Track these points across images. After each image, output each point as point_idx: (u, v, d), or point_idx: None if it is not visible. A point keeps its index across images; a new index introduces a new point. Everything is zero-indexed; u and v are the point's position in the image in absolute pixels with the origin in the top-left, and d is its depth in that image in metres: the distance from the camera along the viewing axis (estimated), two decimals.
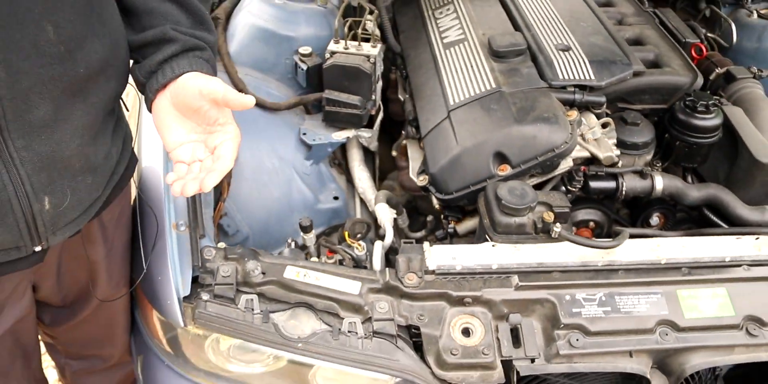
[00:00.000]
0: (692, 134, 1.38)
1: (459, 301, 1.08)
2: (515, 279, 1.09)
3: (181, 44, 0.97)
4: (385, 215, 1.34)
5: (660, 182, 1.34)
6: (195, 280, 1.10)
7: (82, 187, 0.96)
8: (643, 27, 1.62)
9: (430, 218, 1.50)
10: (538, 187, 1.34)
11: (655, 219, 1.46)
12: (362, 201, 1.62)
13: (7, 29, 0.79)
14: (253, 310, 1.05)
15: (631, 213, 1.52)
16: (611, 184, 1.34)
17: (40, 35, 0.83)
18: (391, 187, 1.72)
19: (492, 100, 1.32)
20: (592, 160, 1.36)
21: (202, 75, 0.95)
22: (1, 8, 0.77)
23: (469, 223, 1.41)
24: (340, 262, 1.23)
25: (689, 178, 1.49)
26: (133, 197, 1.26)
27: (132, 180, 1.16)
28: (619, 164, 1.36)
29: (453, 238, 1.42)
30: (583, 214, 1.41)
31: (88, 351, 1.38)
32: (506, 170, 1.26)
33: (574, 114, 1.28)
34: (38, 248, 0.96)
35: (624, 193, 1.34)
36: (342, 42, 1.50)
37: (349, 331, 1.04)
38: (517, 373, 1.06)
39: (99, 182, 1.00)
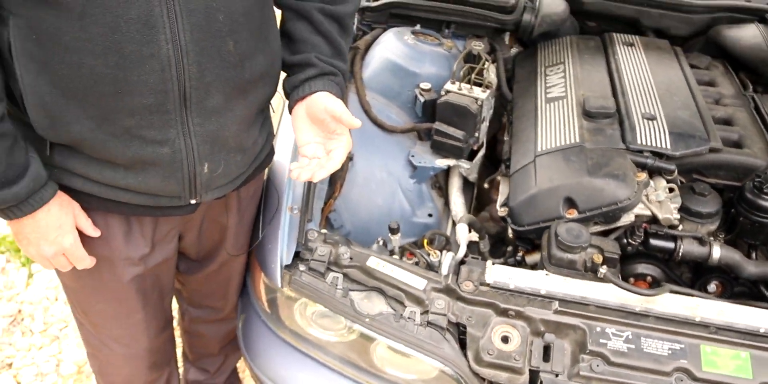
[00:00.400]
0: (757, 213, 1.50)
1: (504, 312, 1.28)
2: (556, 304, 1.29)
3: (319, 69, 1.27)
4: (463, 233, 1.56)
5: (717, 252, 1.47)
6: (297, 254, 1.37)
7: (232, 162, 1.25)
8: (737, 109, 1.76)
9: (510, 248, 1.70)
10: (603, 234, 1.52)
11: (712, 286, 1.57)
12: (454, 223, 1.84)
13: (204, 41, 1.08)
14: (337, 286, 1.31)
15: (693, 278, 1.64)
16: (669, 245, 1.49)
17: (223, 47, 1.11)
18: (485, 218, 1.94)
19: (573, 152, 1.53)
20: (656, 220, 1.52)
21: (330, 95, 1.25)
22: (202, 27, 1.07)
23: (536, 256, 1.60)
24: (416, 264, 1.46)
25: (753, 255, 1.60)
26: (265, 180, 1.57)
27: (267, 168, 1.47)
28: (680, 228, 1.51)
29: (520, 265, 1.62)
30: (642, 268, 1.55)
31: (205, 301, 1.69)
32: (573, 214, 1.46)
33: (643, 176, 1.46)
34: (193, 201, 1.25)
35: (681, 255, 1.49)
36: (457, 83, 1.74)
37: (408, 318, 1.28)
38: (541, 382, 1.25)
39: (245, 162, 1.30)
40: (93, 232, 1.24)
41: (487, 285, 1.32)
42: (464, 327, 1.28)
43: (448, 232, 1.81)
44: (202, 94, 1.12)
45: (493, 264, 1.38)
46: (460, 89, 1.74)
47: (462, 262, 1.45)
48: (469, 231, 1.65)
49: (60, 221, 1.18)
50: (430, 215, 1.82)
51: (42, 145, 1.15)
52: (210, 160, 1.20)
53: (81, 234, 1.24)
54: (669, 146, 1.53)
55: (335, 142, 1.24)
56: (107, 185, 1.19)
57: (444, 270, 1.38)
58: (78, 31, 0.99)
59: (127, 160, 1.15)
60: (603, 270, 1.32)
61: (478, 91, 1.75)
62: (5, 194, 1.09)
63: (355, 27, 2.00)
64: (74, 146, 1.14)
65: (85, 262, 1.26)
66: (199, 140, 1.16)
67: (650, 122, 1.59)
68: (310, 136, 1.26)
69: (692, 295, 1.38)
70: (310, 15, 1.27)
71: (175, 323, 1.88)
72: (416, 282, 1.31)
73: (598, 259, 1.34)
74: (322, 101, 1.24)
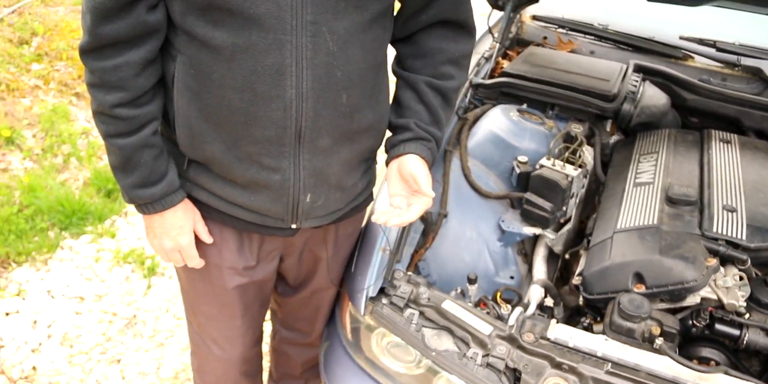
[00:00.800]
0: None
1: (558, 365, 1.40)
2: (608, 365, 1.39)
3: (414, 134, 1.46)
4: (535, 293, 1.69)
5: None
6: (382, 290, 1.55)
7: (331, 198, 1.44)
8: None
9: (583, 319, 1.80)
10: (670, 313, 1.60)
11: None
12: None
13: (322, 91, 1.27)
14: (412, 321, 1.48)
15: (761, 371, 1.67)
16: (734, 331, 1.53)
17: (338, 99, 1.30)
18: (566, 292, 2.05)
19: (649, 232, 1.64)
20: (723, 305, 1.58)
21: (419, 159, 1.44)
22: (322, 79, 1.26)
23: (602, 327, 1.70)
24: (487, 313, 1.60)
25: None
26: (363, 225, 1.78)
27: (367, 209, 1.68)
28: (746, 316, 1.57)
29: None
30: (707, 352, 1.60)
31: (296, 324, 1.89)
32: (641, 289, 1.55)
33: (713, 261, 1.54)
34: (293, 226, 1.44)
35: (745, 343, 1.54)
36: (552, 160, 1.91)
37: (470, 357, 1.42)
38: None
39: (343, 199, 1.50)
40: (207, 238, 1.48)
41: (548, 339, 1.44)
42: (520, 373, 1.40)
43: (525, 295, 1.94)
44: (314, 135, 1.31)
45: (558, 323, 1.50)
46: (553, 165, 1.91)
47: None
48: (545, 296, 1.77)
49: (182, 222, 1.43)
50: (511, 277, 1.95)
51: (181, 160, 1.41)
52: (312, 192, 1.39)
53: (198, 241, 1.48)
54: (744, 237, 1.61)
55: (416, 199, 1.42)
56: (226, 200, 1.42)
57: (511, 321, 1.51)
58: (225, 71, 1.23)
59: (245, 181, 1.36)
60: (659, 341, 1.41)
61: (570, 169, 1.90)
62: (144, 193, 1.36)
63: (467, 100, 2.22)
64: (206, 164, 1.38)
65: (194, 261, 1.49)
66: (306, 173, 1.36)
67: (730, 213, 1.68)
68: (398, 189, 1.45)
69: (750, 381, 1.43)
70: (417, 86, 1.48)
71: (265, 349, 2.10)
72: (483, 327, 1.46)
73: (656, 331, 1.43)
74: (410, 164, 1.43)
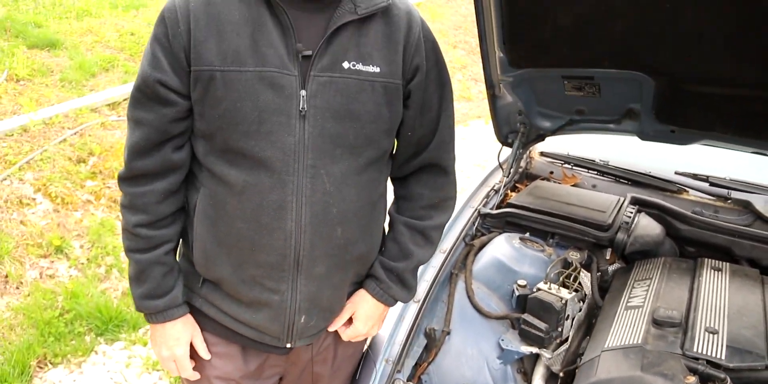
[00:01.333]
0: None
1: None
2: None
3: (372, 271, 1.64)
4: None
5: None
6: None
7: (321, 317, 1.56)
8: None
9: None
10: None
11: None
12: None
13: (318, 225, 1.42)
14: None
15: None
16: None
17: (333, 233, 1.45)
18: None
19: (633, 351, 1.76)
20: None
21: (364, 295, 1.64)
22: (318, 215, 1.41)
23: None
24: None
25: None
26: (366, 346, 1.92)
27: None
28: None
29: None
30: None
31: None
32: None
33: (692, 379, 1.64)
34: (288, 345, 1.55)
35: None
36: (549, 284, 2.07)
37: None
38: None
39: (331, 319, 1.61)
40: (204, 354, 1.59)
41: None
42: None
43: None
44: (310, 263, 1.45)
45: None
46: (549, 288, 2.07)
47: None
48: None
49: (179, 335, 1.54)
50: None
51: (197, 279, 1.56)
52: (307, 314, 1.51)
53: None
54: (723, 357, 1.71)
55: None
56: (231, 317, 1.53)
57: None
58: (236, 203, 1.40)
59: (248, 300, 1.48)
60: None
61: (564, 292, 2.06)
62: (150, 304, 1.52)
63: (475, 229, 2.44)
64: (217, 283, 1.51)
65: (187, 373, 1.60)
66: (302, 297, 1.48)
67: (711, 335, 1.79)
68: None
69: None
70: (395, 226, 1.65)
71: None
72: None
73: None
74: (354, 302, 1.63)
